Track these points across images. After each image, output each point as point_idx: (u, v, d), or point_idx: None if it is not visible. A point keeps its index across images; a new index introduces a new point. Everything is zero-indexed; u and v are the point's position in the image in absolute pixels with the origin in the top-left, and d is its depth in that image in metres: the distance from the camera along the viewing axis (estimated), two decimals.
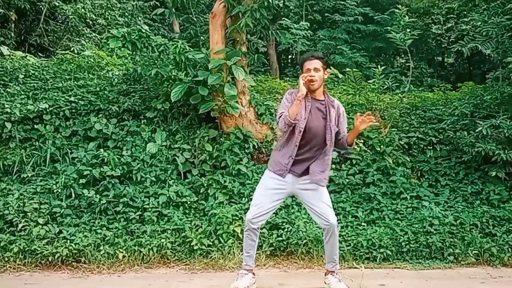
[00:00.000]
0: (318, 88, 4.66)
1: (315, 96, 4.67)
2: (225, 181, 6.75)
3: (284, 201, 5.83)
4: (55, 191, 6.55)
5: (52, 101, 7.54)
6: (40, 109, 7.38)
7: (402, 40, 7.53)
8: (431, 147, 7.61)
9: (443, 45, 15.75)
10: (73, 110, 7.53)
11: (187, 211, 6.57)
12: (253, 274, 4.89)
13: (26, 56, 9.36)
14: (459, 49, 7.81)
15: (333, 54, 13.45)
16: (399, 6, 7.85)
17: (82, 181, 6.64)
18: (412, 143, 7.65)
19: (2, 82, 8.01)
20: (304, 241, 6.05)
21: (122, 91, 7.93)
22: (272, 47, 13.65)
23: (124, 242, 6.04)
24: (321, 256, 5.98)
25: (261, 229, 6.04)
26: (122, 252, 5.91)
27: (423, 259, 6.08)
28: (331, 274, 4.89)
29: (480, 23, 7.35)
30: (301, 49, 12.00)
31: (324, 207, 4.69)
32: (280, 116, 4.55)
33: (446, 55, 16.92)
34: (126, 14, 14.43)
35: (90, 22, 13.52)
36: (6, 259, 5.86)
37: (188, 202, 6.59)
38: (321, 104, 4.68)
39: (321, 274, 5.57)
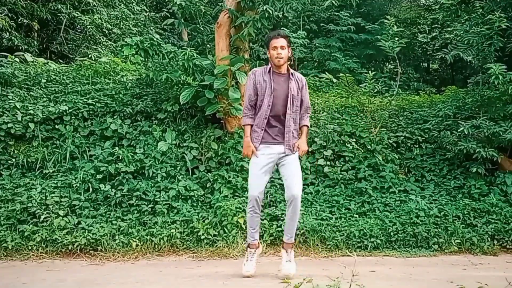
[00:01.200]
0: (284, 64, 4.71)
1: (280, 71, 4.73)
2: (229, 177, 6.74)
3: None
4: (74, 185, 6.55)
5: (71, 103, 7.53)
6: (60, 110, 7.38)
7: (391, 48, 7.51)
8: (417, 146, 7.59)
9: (428, 53, 15.68)
10: (91, 112, 7.52)
11: (195, 204, 6.56)
12: (258, 246, 4.86)
13: (48, 62, 9.34)
14: (443, 56, 7.79)
15: (328, 61, 13.40)
16: (388, 17, 7.81)
17: (99, 176, 6.64)
18: (400, 141, 7.63)
19: (26, 86, 8.00)
20: (302, 231, 6.05)
21: (135, 94, 7.92)
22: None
23: (137, 232, 6.04)
24: (317, 245, 5.99)
25: (262, 220, 6.07)
26: (136, 241, 5.91)
27: (410, 247, 6.07)
28: (284, 249, 4.77)
29: (462, 32, 7.33)
30: (298, 56, 11.98)
31: (291, 177, 4.64)
32: (244, 114, 4.81)
33: (431, 61, 16.84)
34: (139, 24, 14.41)
35: (106, 32, 13.50)
36: (30, 247, 5.87)
37: (196, 196, 6.59)
38: (283, 76, 4.74)
39: (317, 261, 5.61)
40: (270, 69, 4.72)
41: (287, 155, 4.69)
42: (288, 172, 4.69)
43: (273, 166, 4.78)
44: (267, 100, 4.64)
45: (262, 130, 4.67)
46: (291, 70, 4.79)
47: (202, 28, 8.25)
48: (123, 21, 13.68)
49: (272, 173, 4.94)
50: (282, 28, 11.57)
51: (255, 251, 4.83)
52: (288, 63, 4.81)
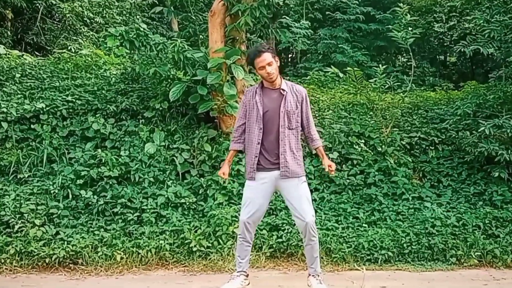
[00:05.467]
0: (277, 78, 4.68)
1: (273, 86, 4.70)
2: (224, 182, 6.74)
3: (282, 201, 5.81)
4: (52, 192, 6.55)
5: (49, 100, 7.54)
6: (36, 108, 7.38)
7: (403, 38, 7.53)
8: (433, 147, 7.61)
9: (445, 44, 15.72)
10: (70, 110, 7.53)
11: (186, 212, 6.57)
12: (246, 276, 4.86)
13: (23, 55, 9.36)
14: (461, 50, 7.82)
15: (334, 53, 13.44)
16: (401, 4, 7.85)
17: (80, 181, 6.64)
18: (414, 143, 7.65)
19: None
20: None
21: (120, 91, 7.93)
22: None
23: (122, 244, 6.04)
24: (322, 258, 5.98)
25: (261, 230, 6.07)
26: (120, 254, 5.91)
27: (425, 260, 6.08)
28: (312, 276, 4.83)
29: (482, 22, 7.35)
30: (301, 48, 11.99)
31: (297, 204, 4.63)
32: (232, 138, 4.95)
33: (448, 54, 16.89)
34: (124, 12, 14.41)
35: (88, 21, 13.51)
36: (2, 260, 5.86)
37: (187, 203, 6.59)
38: (277, 91, 4.71)
39: (322, 276, 5.58)
40: (262, 85, 4.74)
41: (285, 179, 4.65)
42: (291, 197, 4.67)
43: (271, 192, 4.79)
44: (258, 124, 4.64)
45: (256, 157, 4.65)
46: (289, 84, 4.78)
47: (194, 17, 8.27)
48: (106, 9, 13.68)
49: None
50: (283, 16, 11.56)
51: (238, 275, 4.80)
52: (282, 75, 4.83)
